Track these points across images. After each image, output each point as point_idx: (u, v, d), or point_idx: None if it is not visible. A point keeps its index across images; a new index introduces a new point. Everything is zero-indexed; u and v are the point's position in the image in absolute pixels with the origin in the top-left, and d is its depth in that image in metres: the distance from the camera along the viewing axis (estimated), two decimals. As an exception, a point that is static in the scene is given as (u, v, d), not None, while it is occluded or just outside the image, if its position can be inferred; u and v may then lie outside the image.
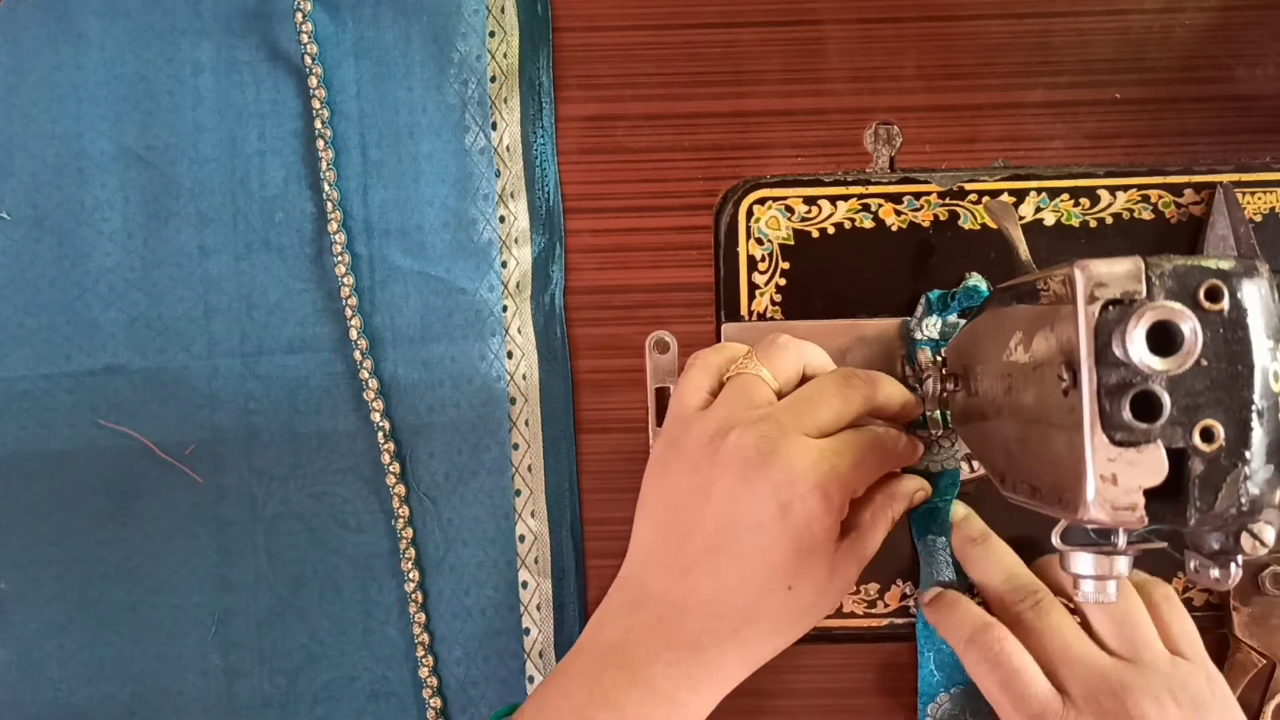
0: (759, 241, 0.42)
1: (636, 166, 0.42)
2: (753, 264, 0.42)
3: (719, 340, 0.42)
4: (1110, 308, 0.25)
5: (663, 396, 0.42)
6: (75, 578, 0.42)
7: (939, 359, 0.39)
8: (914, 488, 0.38)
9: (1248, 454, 0.25)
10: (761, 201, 0.42)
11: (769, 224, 0.42)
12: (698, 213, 0.42)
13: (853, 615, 0.42)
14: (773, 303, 0.42)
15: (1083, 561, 0.29)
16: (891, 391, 0.37)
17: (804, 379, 0.37)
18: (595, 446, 0.42)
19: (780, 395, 0.36)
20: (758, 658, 0.35)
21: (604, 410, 0.42)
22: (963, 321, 0.40)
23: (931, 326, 0.40)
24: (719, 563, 0.33)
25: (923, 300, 0.41)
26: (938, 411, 0.39)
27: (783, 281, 0.42)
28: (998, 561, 0.39)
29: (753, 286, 0.42)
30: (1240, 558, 0.26)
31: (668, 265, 0.42)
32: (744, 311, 0.42)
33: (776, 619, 0.34)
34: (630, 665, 0.33)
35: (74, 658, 0.42)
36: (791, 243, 0.42)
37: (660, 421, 0.42)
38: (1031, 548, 0.40)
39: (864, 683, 0.42)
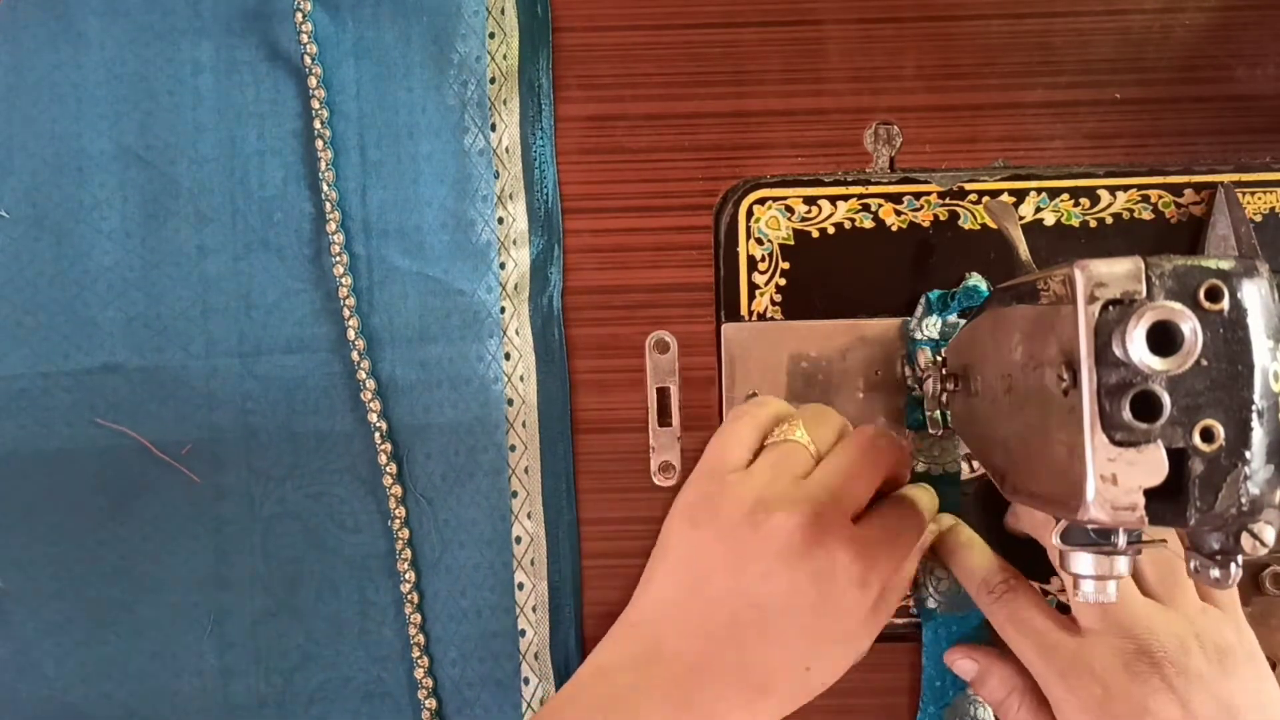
0: (759, 241, 0.42)
1: (636, 166, 0.42)
2: (753, 264, 0.42)
3: (719, 341, 0.42)
4: (1110, 308, 0.25)
5: (663, 396, 0.42)
6: (72, 577, 0.42)
7: (939, 359, 0.39)
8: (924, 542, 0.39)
9: (1248, 454, 0.24)
10: (761, 201, 0.42)
11: (769, 224, 0.42)
12: (698, 213, 0.42)
13: (852, 617, 0.41)
14: (773, 303, 0.42)
15: (1083, 561, 0.29)
16: (905, 459, 0.38)
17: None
18: (594, 447, 0.42)
19: (817, 462, 0.36)
20: None
21: (603, 410, 0.42)
22: (963, 321, 0.40)
23: (931, 326, 0.40)
24: (745, 636, 0.34)
25: (923, 300, 0.41)
26: (938, 411, 0.39)
27: (783, 281, 0.42)
28: (981, 553, 0.39)
29: (753, 286, 0.42)
30: (1240, 558, 0.26)
31: (668, 265, 0.42)
32: (744, 311, 0.42)
33: (790, 695, 0.35)
34: None
35: (71, 656, 0.42)
36: (791, 243, 0.42)
37: (660, 421, 0.42)
38: (1032, 547, 0.40)
39: (864, 683, 0.41)
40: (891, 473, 0.37)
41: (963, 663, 0.39)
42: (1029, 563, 0.41)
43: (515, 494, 0.42)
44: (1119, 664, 0.33)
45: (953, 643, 0.40)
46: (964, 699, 0.40)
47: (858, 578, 0.34)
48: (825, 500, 0.34)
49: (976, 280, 0.40)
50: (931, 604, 0.40)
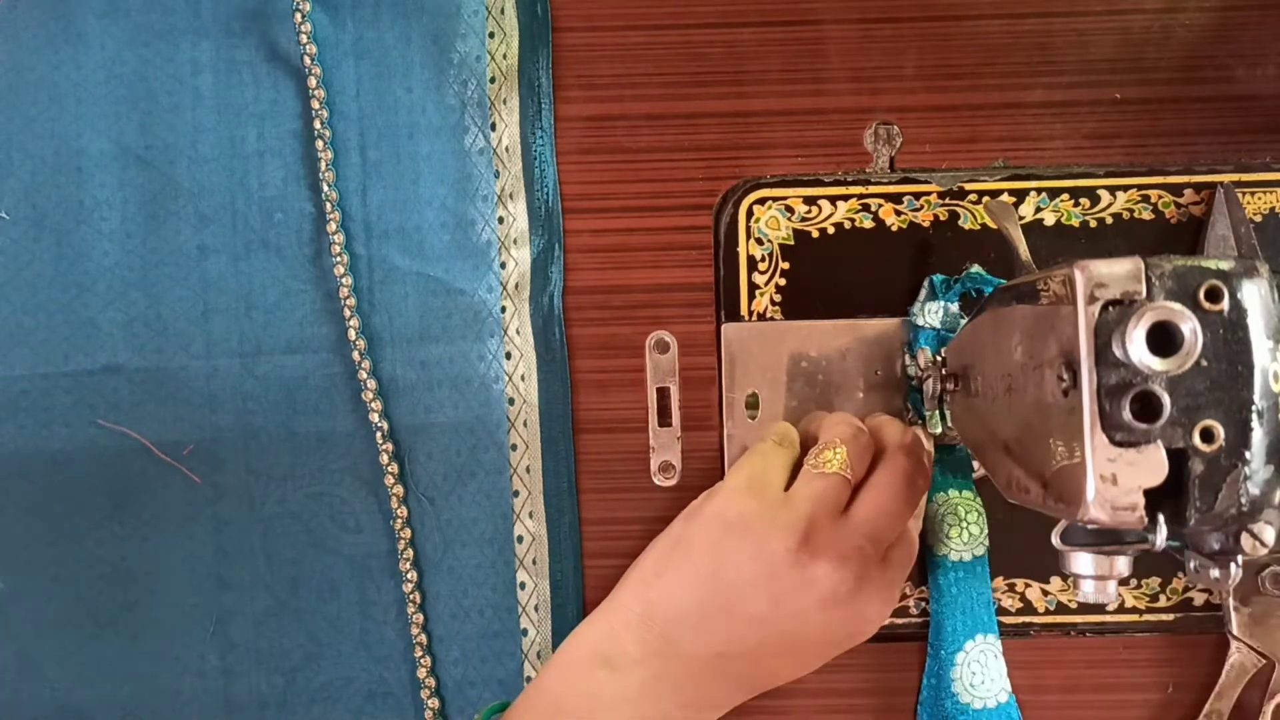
0: (759, 241, 0.42)
1: (636, 166, 0.42)
2: (753, 264, 0.42)
3: (719, 341, 0.42)
4: (1110, 308, 0.25)
5: (663, 396, 0.42)
6: (73, 577, 0.42)
7: (939, 359, 0.39)
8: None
9: (1248, 454, 0.25)
10: (761, 201, 0.42)
11: (769, 224, 0.42)
12: (698, 213, 0.42)
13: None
14: (773, 303, 0.42)
15: (1083, 561, 0.29)
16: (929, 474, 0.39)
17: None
18: (595, 446, 0.42)
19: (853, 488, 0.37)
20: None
21: (603, 410, 0.42)
22: (965, 319, 0.40)
23: (934, 313, 0.40)
24: (763, 656, 0.36)
25: (926, 283, 0.40)
26: (938, 412, 0.39)
27: (783, 281, 0.42)
28: None
29: (753, 286, 0.42)
30: (1240, 558, 0.26)
31: (668, 265, 0.42)
32: (744, 311, 0.42)
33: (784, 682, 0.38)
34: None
35: (71, 657, 0.42)
36: (791, 243, 0.42)
37: (660, 421, 0.42)
38: (1032, 546, 0.40)
39: (864, 683, 0.42)
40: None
41: None
42: (1029, 562, 0.41)
43: (517, 493, 0.42)
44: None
45: (962, 589, 0.40)
46: (974, 644, 0.40)
47: (884, 613, 0.36)
48: (868, 550, 0.35)
49: (978, 269, 0.40)
50: (942, 551, 0.40)
